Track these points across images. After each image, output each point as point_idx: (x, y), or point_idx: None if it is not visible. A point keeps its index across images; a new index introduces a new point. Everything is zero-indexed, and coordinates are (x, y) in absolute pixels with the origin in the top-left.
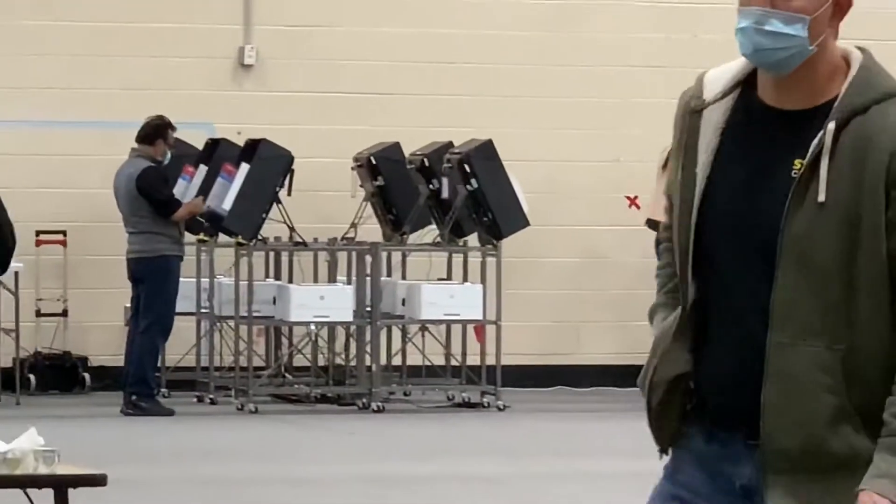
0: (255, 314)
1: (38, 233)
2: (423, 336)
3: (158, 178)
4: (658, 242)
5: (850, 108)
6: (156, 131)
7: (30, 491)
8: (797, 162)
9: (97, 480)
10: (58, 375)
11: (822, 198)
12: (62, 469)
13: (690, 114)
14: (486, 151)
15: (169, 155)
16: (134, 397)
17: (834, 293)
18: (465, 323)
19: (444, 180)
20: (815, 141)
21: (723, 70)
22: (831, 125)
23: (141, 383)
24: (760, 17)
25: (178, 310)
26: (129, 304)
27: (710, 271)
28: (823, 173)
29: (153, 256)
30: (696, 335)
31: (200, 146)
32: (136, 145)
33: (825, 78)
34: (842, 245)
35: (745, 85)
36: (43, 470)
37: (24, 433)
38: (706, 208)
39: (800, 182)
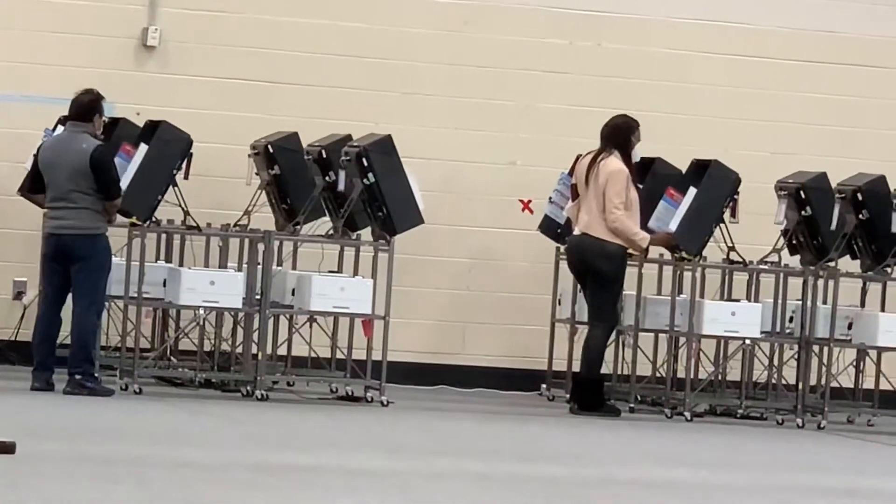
0: (144, 295)
1: None
2: (310, 327)
3: (112, 156)
4: None
5: None
6: (90, 108)
7: None
8: None
9: (6, 448)
10: None
11: None
12: None
13: None
14: (384, 147)
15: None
16: (79, 377)
17: None
18: (353, 316)
19: (341, 173)
20: None
21: None
22: None
23: (87, 362)
24: None
25: None
26: (20, 278)
27: None
28: None
29: (96, 234)
30: None
31: None
32: (71, 123)
33: None
34: None
35: None
36: None
37: None
38: None
39: None
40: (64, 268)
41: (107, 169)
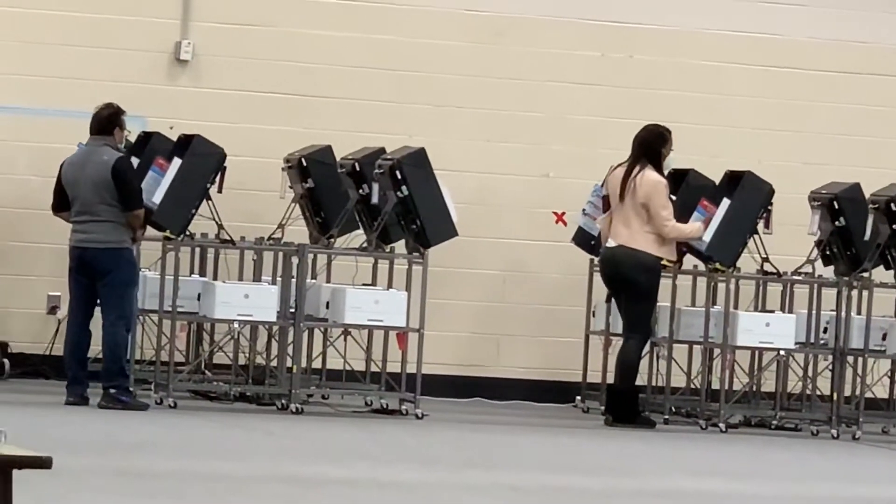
0: (179, 309)
1: None
2: (345, 340)
3: (133, 168)
4: None
5: None
6: (110, 121)
7: None
8: None
9: (43, 463)
10: None
11: None
12: (7, 450)
13: None
14: (418, 159)
15: (125, 140)
16: (113, 391)
17: None
18: (387, 329)
19: (375, 186)
20: None
21: None
22: None
23: (121, 376)
24: None
25: None
26: (54, 293)
27: None
28: None
29: (121, 248)
30: None
31: (132, 138)
32: (92, 137)
33: None
34: None
35: None
36: None
37: None
38: None
39: None
40: (89, 281)
41: (127, 179)
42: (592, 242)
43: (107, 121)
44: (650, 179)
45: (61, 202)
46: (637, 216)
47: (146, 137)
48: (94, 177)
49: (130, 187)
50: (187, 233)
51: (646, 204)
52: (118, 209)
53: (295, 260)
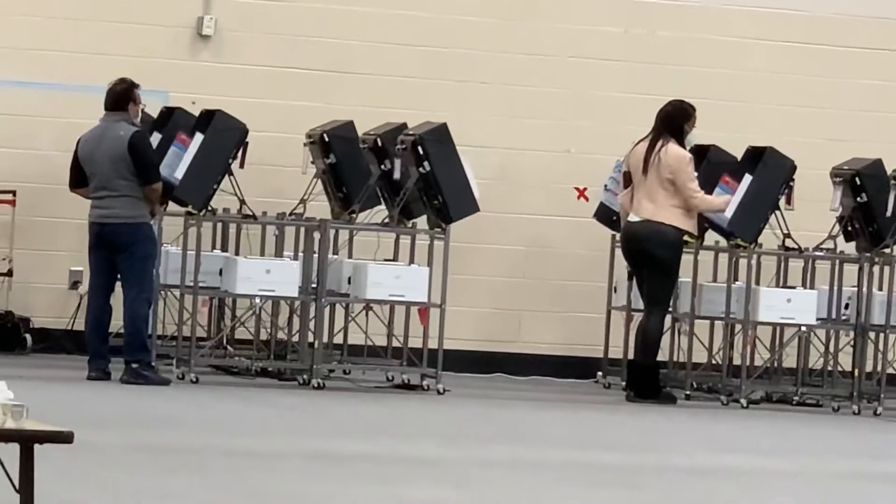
0: (200, 285)
1: None
2: (366, 315)
3: (149, 142)
4: None
5: None
6: (124, 96)
7: None
8: None
9: (64, 437)
10: None
11: None
12: (29, 424)
13: None
14: (440, 135)
15: (141, 114)
16: (135, 366)
17: None
18: (409, 305)
19: (397, 161)
20: None
21: None
22: None
23: (143, 351)
24: None
25: None
26: (76, 268)
27: None
28: None
29: (140, 223)
30: None
31: (155, 114)
32: (107, 113)
33: None
34: None
35: None
36: (10, 424)
37: None
38: None
39: None
40: (110, 256)
41: (144, 153)
42: (614, 218)
43: (121, 96)
44: (675, 154)
45: (78, 179)
46: (663, 190)
47: (168, 112)
48: (110, 152)
49: (147, 161)
50: (209, 208)
51: (671, 178)
52: (136, 184)
53: (317, 235)
